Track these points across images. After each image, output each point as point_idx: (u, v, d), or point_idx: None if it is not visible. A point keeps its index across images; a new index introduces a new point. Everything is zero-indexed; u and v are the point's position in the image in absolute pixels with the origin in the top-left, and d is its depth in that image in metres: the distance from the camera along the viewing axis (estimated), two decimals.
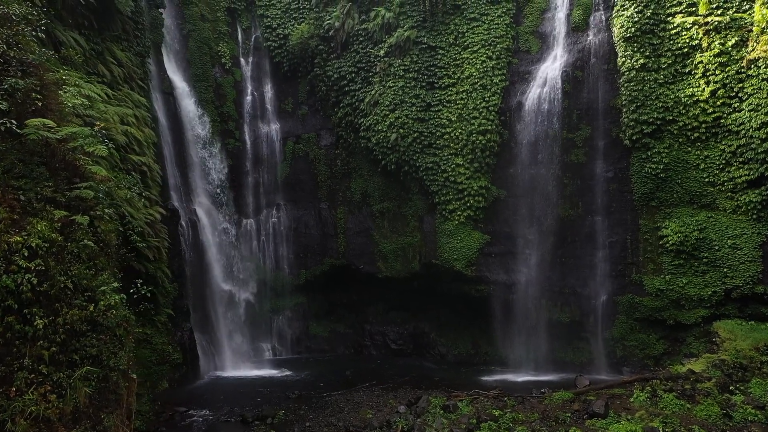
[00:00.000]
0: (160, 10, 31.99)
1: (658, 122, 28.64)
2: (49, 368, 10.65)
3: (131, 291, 13.73)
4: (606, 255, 30.35)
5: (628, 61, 29.24)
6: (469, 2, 33.12)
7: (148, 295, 14.31)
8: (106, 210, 12.80)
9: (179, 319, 27.78)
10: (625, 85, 29.30)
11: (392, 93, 33.25)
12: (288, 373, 30.81)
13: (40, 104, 12.16)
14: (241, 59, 37.20)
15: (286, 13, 37.12)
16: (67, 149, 12.17)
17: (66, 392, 10.70)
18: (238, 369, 31.28)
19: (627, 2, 29.53)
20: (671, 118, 28.47)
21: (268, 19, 37.13)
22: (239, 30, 37.41)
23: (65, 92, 14.01)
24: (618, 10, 29.81)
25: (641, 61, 28.89)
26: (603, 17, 30.81)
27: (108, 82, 23.54)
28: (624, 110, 29.42)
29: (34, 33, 13.38)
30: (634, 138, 29.16)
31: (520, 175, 31.74)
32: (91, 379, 11.13)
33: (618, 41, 29.68)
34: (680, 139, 28.52)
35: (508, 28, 32.59)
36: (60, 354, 10.86)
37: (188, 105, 32.70)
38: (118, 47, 25.44)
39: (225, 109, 35.55)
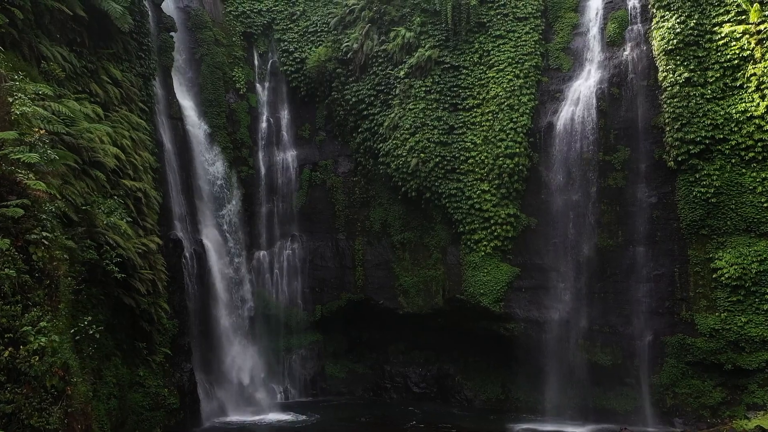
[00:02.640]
0: (171, 33, 30.79)
1: (707, 141, 25.76)
2: None
3: (78, 327, 11.50)
4: (651, 289, 27.18)
5: (671, 75, 26.62)
6: (495, 19, 31.18)
7: (97, 336, 12.08)
8: (47, 233, 10.68)
9: (179, 359, 25.57)
10: (668, 101, 26.62)
11: (413, 116, 31.21)
12: (298, 418, 28.31)
13: None
14: (257, 84, 35.76)
15: (303, 37, 35.72)
16: None
17: None
18: (244, 413, 28.83)
19: (667, 13, 27.06)
20: (722, 136, 25.59)
21: (285, 43, 35.76)
22: (255, 55, 36.09)
23: (15, 99, 12.18)
24: (657, 22, 27.35)
25: (685, 75, 26.24)
26: (641, 30, 28.39)
27: (102, 102, 21.95)
28: (667, 129, 26.67)
29: None
30: (679, 159, 26.29)
31: (553, 202, 29.08)
32: None
33: (658, 55, 27.14)
34: (733, 160, 25.53)
35: (537, 45, 30.42)
36: None
37: (198, 131, 31.17)
38: (118, 67, 24.00)
39: (238, 135, 33.93)
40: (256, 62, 36.01)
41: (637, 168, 27.84)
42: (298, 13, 36.07)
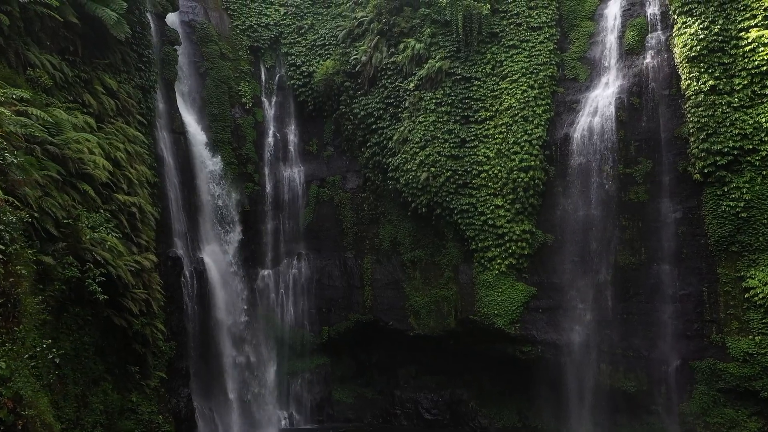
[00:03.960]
0: (175, 47, 30.06)
1: (735, 152, 24.23)
2: None
3: (32, 353, 10.29)
4: (677, 310, 25.49)
5: (695, 83, 25.22)
6: (508, 29, 30.16)
7: (57, 361, 10.84)
8: (2, 246, 9.52)
9: (175, 384, 24.29)
10: (692, 110, 25.19)
11: (423, 129, 30.07)
12: None
13: None
14: (264, 99, 34.89)
15: (311, 50, 34.92)
16: None
17: None
18: None
19: (689, 19, 25.74)
20: (751, 147, 24.06)
21: (293, 57, 34.94)
22: (262, 69, 35.29)
23: None
24: (679, 28, 26.03)
25: (710, 83, 24.81)
26: (661, 37, 27.13)
27: (96, 113, 21.03)
28: (692, 140, 25.20)
29: None
30: (705, 171, 24.76)
31: (570, 217, 27.64)
32: None
33: (681, 62, 25.78)
34: (764, 172, 23.95)
35: (552, 55, 29.31)
36: None
37: (201, 146, 30.19)
38: (115, 78, 23.11)
39: (244, 151, 32.95)
40: (263, 76, 35.22)
41: (660, 181, 26.35)
42: (306, 26, 35.36)
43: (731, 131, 24.30)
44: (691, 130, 25.26)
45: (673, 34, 26.34)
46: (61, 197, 15.70)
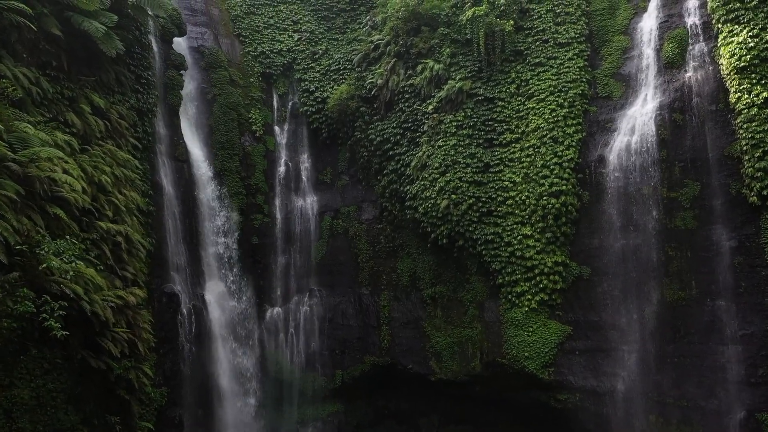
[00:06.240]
0: (181, 72, 28.69)
1: None
2: None
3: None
4: (738, 353, 22.17)
5: (746, 96, 22.57)
6: (533, 46, 28.25)
7: None
8: None
9: None
10: (745, 126, 22.45)
11: (443, 153, 27.85)
12: None
13: None
14: (276, 127, 33.14)
15: (325, 76, 33.33)
16: None
17: None
18: None
19: (736, 27, 23.29)
20: None
21: (306, 83, 33.32)
22: (275, 96, 33.71)
23: None
24: (725, 38, 23.58)
25: (764, 95, 22.16)
26: (704, 48, 24.68)
27: (80, 133, 19.29)
28: (746, 158, 22.37)
29: None
30: (764, 194, 21.81)
31: (609, 247, 24.90)
32: None
33: (729, 74, 23.22)
34: None
35: (582, 72, 27.16)
36: None
37: (205, 174, 28.40)
38: (106, 98, 21.54)
39: (253, 180, 31.01)
40: (275, 104, 33.61)
41: (710, 206, 23.45)
42: (320, 51, 33.92)
43: None
44: (744, 148, 22.46)
45: (718, 44, 23.87)
46: (18, 220, 13.65)
